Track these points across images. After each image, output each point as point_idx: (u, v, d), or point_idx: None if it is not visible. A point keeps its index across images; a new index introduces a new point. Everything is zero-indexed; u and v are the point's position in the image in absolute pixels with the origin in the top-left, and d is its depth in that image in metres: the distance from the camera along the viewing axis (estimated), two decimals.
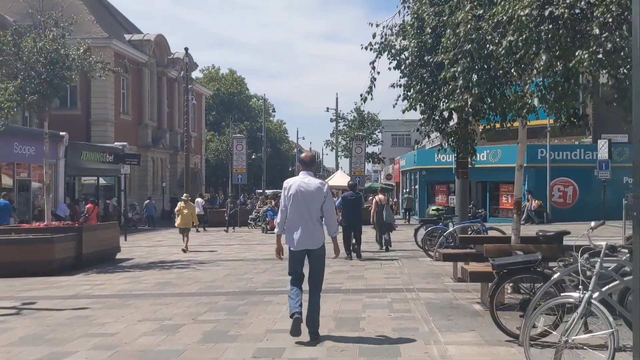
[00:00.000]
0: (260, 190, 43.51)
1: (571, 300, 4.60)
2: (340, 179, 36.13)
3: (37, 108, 13.86)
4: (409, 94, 8.55)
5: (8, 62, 13.23)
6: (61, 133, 24.45)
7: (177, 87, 45.09)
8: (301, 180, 5.99)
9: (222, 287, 9.68)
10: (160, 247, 17.95)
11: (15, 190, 21.43)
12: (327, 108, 44.39)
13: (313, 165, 6.25)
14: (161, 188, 40.41)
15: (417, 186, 34.61)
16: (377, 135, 32.77)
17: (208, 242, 19.71)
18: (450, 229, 12.60)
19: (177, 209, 17.12)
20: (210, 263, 13.26)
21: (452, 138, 8.90)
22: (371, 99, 8.66)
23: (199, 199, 29.25)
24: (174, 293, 9.21)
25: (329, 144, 33.01)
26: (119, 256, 14.67)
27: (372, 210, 15.50)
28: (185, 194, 18.04)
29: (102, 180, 30.71)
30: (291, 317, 5.82)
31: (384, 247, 14.95)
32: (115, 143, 30.56)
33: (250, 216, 27.78)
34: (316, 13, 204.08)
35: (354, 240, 13.44)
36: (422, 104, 8.29)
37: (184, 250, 15.85)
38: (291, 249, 6.01)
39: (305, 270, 6.14)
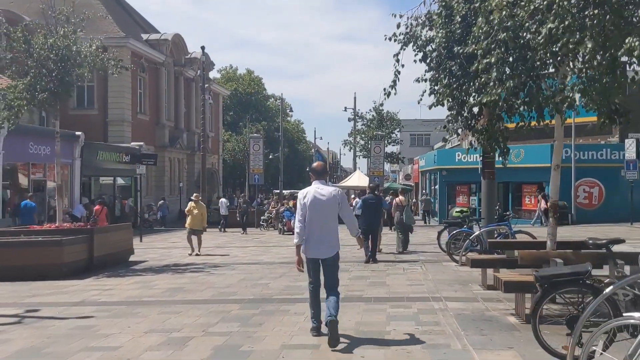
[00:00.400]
0: (277, 191, 43.15)
1: (633, 321, 3.97)
2: (358, 179, 35.52)
3: (47, 106, 13.48)
4: (436, 88, 7.93)
5: (18, 59, 12.88)
6: (77, 133, 24.21)
7: (195, 86, 44.88)
8: (315, 190, 6.14)
9: (235, 293, 9.15)
10: (175, 249, 17.52)
11: (31, 190, 21.19)
12: (345, 107, 43.82)
13: (325, 173, 6.48)
14: (178, 188, 40.17)
15: (436, 186, 33.89)
16: (396, 135, 32.04)
17: (224, 244, 19.25)
18: (477, 232, 11.94)
19: (187, 209, 16.24)
20: (224, 266, 12.76)
21: (483, 136, 8.24)
22: (395, 94, 8.06)
23: (223, 199, 28.81)
24: (185, 300, 8.71)
25: (347, 144, 32.42)
26: (132, 258, 14.26)
27: (392, 212, 15.11)
28: (195, 194, 16.78)
29: (119, 181, 30.47)
30: (312, 331, 6.13)
31: (400, 248, 14.71)
32: (132, 143, 30.31)
33: (262, 217, 27.23)
34: (334, 14, 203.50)
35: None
36: (450, 99, 7.67)
37: (193, 254, 15.20)
38: (307, 257, 6.15)
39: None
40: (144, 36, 37.61)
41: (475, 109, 7.52)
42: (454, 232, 12.49)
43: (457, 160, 31.81)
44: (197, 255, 15.21)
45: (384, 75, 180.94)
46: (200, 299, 8.79)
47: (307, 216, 6.06)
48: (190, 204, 16.05)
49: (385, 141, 30.21)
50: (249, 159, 29.21)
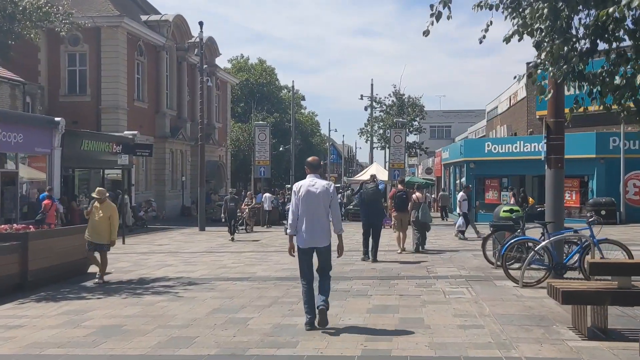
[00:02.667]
0: (289, 186, 40.06)
1: None
2: (375, 173, 32.13)
3: None
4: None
5: None
6: (56, 119, 21.23)
7: (200, 73, 41.84)
8: (309, 183, 6.32)
9: (193, 341, 5.96)
10: (155, 255, 14.48)
11: None
12: (362, 95, 40.41)
13: (319, 168, 6.63)
14: (181, 183, 37.24)
15: (463, 179, 30.43)
16: (418, 123, 28.53)
17: (219, 247, 16.22)
18: (546, 241, 8.65)
19: (87, 210, 10.72)
20: (202, 284, 9.62)
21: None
22: (448, 17, 4.77)
23: (267, 194, 25.35)
24: (108, 355, 5.55)
25: (364, 133, 28.98)
26: (95, 268, 11.12)
27: (409, 208, 13.76)
28: (99, 189, 10.83)
29: (111, 173, 27.44)
30: (306, 325, 6.12)
31: (416, 247, 13.60)
32: (126, 132, 27.31)
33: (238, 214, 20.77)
34: (350, 8, 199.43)
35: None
36: (550, 20, 4.30)
37: (100, 281, 10.02)
38: (300, 247, 6.26)
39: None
40: (143, 17, 34.63)
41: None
42: (512, 240, 9.20)
43: (486, 151, 28.36)
44: (101, 282, 9.94)
45: (401, 70, 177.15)
46: (132, 354, 5.60)
47: (300, 208, 6.24)
48: (93, 204, 10.36)
49: (407, 129, 26.78)
50: (254, 149, 26.01)
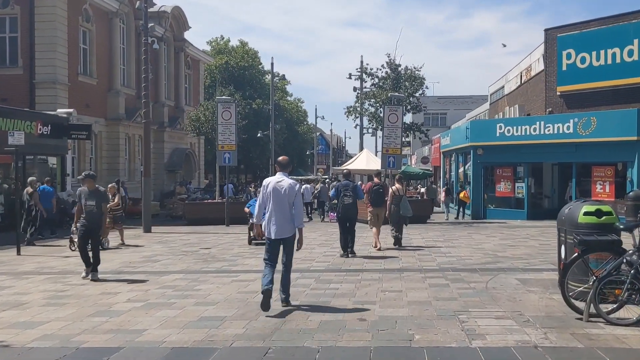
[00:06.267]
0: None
1: None
2: (366, 161, 27.19)
3: None
4: None
5: None
6: None
7: (166, 50, 36.75)
8: (276, 181, 6.97)
9: None
10: (39, 273, 9.59)
11: None
12: (350, 75, 35.52)
13: (288, 167, 7.20)
14: (140, 173, 32.15)
15: (468, 168, 25.65)
16: (416, 99, 23.49)
17: (153, 256, 11.37)
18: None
19: None
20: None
21: None
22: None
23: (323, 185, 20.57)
24: None
25: (352, 112, 23.90)
26: None
27: (387, 202, 13.01)
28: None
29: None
30: (262, 292, 6.59)
31: (396, 245, 12.94)
32: (58, 110, 22.25)
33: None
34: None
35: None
36: None
37: None
38: (270, 237, 6.88)
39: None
40: None
41: None
42: (614, 269, 4.38)
43: (498, 135, 23.55)
44: None
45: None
46: None
47: (269, 203, 6.90)
48: None
49: (405, 106, 21.82)
50: (217, 131, 21.07)
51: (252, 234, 13.69)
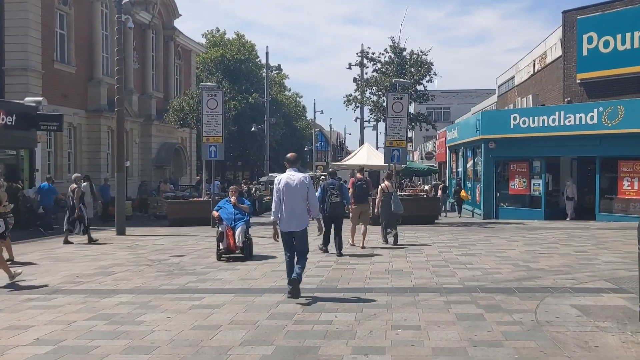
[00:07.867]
0: (265, 179, 32.61)
1: None
2: (366, 156, 24.97)
3: None
4: None
5: None
6: None
7: (154, 37, 34.53)
8: (288, 176, 7.26)
9: None
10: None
11: None
12: (350, 64, 33.43)
13: (297, 162, 7.57)
14: (124, 169, 29.92)
15: (479, 162, 23.46)
16: (424, 87, 21.22)
17: (104, 269, 9.22)
18: None
19: None
20: None
21: None
22: None
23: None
24: None
25: (351, 102, 21.64)
26: None
27: (377, 200, 13.13)
28: None
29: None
30: (288, 283, 7.08)
31: (390, 242, 12.70)
32: (27, 99, 20.07)
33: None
34: None
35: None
36: None
37: None
38: (282, 230, 7.26)
39: None
40: None
41: None
42: None
43: (512, 127, 21.36)
44: None
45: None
46: None
47: (281, 198, 7.19)
48: None
49: (410, 94, 19.60)
50: (201, 122, 18.90)
51: (221, 247, 10.66)
